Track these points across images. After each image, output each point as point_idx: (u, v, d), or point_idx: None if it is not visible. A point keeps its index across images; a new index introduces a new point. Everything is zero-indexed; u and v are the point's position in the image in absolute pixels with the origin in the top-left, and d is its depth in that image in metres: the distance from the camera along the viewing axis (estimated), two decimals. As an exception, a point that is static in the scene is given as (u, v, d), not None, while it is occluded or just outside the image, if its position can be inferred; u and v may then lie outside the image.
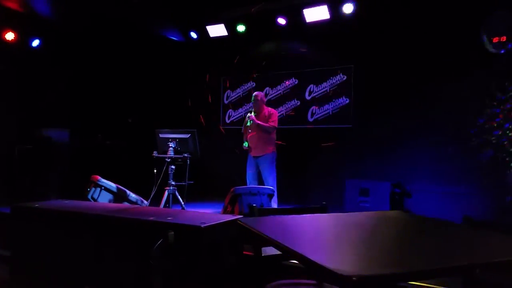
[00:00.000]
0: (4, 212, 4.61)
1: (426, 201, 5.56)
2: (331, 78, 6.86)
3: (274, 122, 5.63)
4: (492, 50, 5.34)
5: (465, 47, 5.58)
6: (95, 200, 4.76)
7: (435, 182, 5.64)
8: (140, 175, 5.76)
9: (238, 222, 1.99)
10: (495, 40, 5.29)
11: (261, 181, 5.71)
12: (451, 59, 5.68)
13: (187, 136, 4.98)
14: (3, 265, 3.93)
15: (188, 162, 4.89)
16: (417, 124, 5.88)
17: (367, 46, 6.40)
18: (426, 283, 2.79)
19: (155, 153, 5.08)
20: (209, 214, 3.40)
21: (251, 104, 5.78)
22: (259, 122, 5.55)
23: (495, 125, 5.11)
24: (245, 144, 5.78)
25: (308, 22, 6.70)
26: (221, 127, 7.96)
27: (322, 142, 6.80)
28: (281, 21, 6.95)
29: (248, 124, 5.66)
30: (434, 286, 2.76)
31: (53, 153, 6.13)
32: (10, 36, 6.13)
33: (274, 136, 5.74)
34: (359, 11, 6.33)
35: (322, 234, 1.93)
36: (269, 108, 5.92)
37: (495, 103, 5.15)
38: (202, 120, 8.06)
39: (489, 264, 1.42)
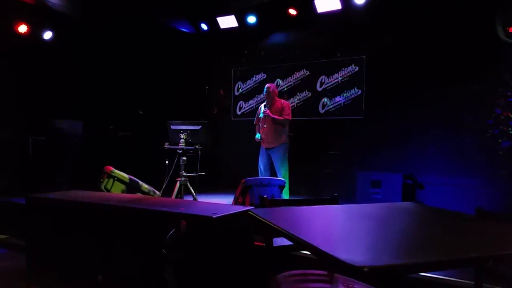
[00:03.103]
0: (19, 202, 4.70)
1: (439, 193, 5.52)
2: (343, 69, 6.80)
3: (288, 116, 5.65)
4: (506, 39, 5.25)
5: (479, 37, 5.49)
6: (108, 190, 4.81)
7: (448, 174, 5.59)
8: (152, 166, 5.81)
9: (250, 213, 2.00)
10: (511, 29, 5.19)
11: (273, 172, 5.73)
12: (465, 50, 5.59)
13: (198, 127, 4.99)
14: (19, 254, 4.01)
15: (200, 154, 4.91)
16: (429, 116, 5.82)
17: (380, 37, 6.32)
18: (438, 275, 2.78)
19: (166, 145, 5.12)
20: (220, 205, 3.41)
21: (262, 96, 5.80)
22: (274, 116, 5.57)
23: (511, 115, 5.04)
24: (258, 135, 5.80)
25: (320, 13, 6.64)
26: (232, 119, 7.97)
27: (333, 133, 6.78)
28: (292, 11, 6.90)
29: (261, 115, 5.68)
30: (446, 278, 2.75)
31: (66, 144, 6.19)
32: (23, 28, 6.19)
33: (287, 128, 5.74)
34: (371, 0, 6.25)
35: (333, 225, 1.93)
36: (282, 100, 5.93)
37: (510, 93, 5.08)
38: (214, 112, 8.07)
39: (502, 255, 1.41)
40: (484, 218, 2.05)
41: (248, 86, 7.83)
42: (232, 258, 2.83)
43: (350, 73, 6.74)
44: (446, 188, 5.52)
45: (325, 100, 6.95)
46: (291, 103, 6.96)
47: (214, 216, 2.61)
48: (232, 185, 5.21)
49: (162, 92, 7.77)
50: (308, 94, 7.15)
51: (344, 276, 2.05)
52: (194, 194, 4.98)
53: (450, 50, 5.74)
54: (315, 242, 1.43)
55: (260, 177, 5.62)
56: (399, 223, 2.00)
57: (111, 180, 4.85)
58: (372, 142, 6.24)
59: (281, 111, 5.65)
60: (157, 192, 5.12)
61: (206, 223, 2.63)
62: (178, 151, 4.97)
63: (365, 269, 1.13)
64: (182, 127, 5.08)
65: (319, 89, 7.04)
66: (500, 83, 5.24)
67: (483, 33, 5.46)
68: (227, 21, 7.50)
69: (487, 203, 4.93)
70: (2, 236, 4.95)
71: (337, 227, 1.90)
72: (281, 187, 5.03)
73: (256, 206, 3.65)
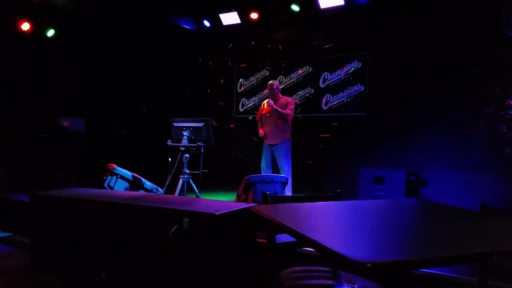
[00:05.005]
0: (23, 200, 4.71)
1: (443, 189, 5.48)
2: (346, 65, 6.78)
3: (291, 110, 5.64)
4: (510, 33, 5.20)
5: (483, 32, 5.45)
6: (111, 188, 4.82)
7: (452, 171, 5.56)
8: (155, 163, 5.81)
9: (252, 209, 2.00)
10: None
11: (275, 169, 5.72)
12: (468, 45, 5.55)
13: (201, 124, 4.99)
14: (23, 252, 4.03)
15: (202, 151, 4.91)
16: (433, 112, 5.78)
17: (383, 33, 6.29)
18: (442, 272, 2.77)
19: (169, 142, 5.12)
20: (223, 202, 3.42)
21: (265, 93, 5.80)
22: (277, 108, 5.56)
23: None
24: (261, 132, 5.79)
25: (322, 9, 6.62)
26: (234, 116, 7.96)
27: (336, 130, 6.76)
28: (295, 7, 6.88)
29: (265, 109, 5.65)
30: (450, 275, 2.74)
31: (70, 142, 6.21)
32: (25, 26, 6.19)
33: (290, 124, 5.73)
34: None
35: (336, 221, 1.93)
36: (285, 96, 5.92)
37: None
38: (216, 108, 8.06)
39: (507, 251, 1.39)
40: (488, 213, 2.04)
41: (251, 83, 7.81)
42: (235, 255, 2.83)
43: (353, 69, 6.71)
44: (450, 184, 5.48)
45: (328, 96, 6.93)
46: (294, 100, 6.93)
47: (217, 213, 2.61)
48: (234, 182, 5.20)
49: (165, 90, 7.76)
50: (311, 90, 7.13)
51: (347, 272, 2.04)
52: (197, 191, 4.98)
53: (454, 45, 5.69)
54: (318, 238, 1.42)
55: (262, 174, 5.61)
56: (403, 219, 1.99)
57: (114, 177, 4.86)
58: (375, 139, 6.21)
59: (284, 107, 5.65)
60: (160, 190, 5.12)
61: (209, 220, 2.63)
62: (181, 148, 4.96)
63: (368, 264, 1.12)
64: (185, 124, 5.07)
65: (322, 85, 7.02)
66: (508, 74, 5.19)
67: (486, 29, 5.41)
68: (230, 18, 7.48)
69: (491, 199, 4.89)
70: (6, 234, 4.96)
71: (340, 223, 1.89)
72: (284, 184, 5.02)
73: (259, 203, 3.65)
